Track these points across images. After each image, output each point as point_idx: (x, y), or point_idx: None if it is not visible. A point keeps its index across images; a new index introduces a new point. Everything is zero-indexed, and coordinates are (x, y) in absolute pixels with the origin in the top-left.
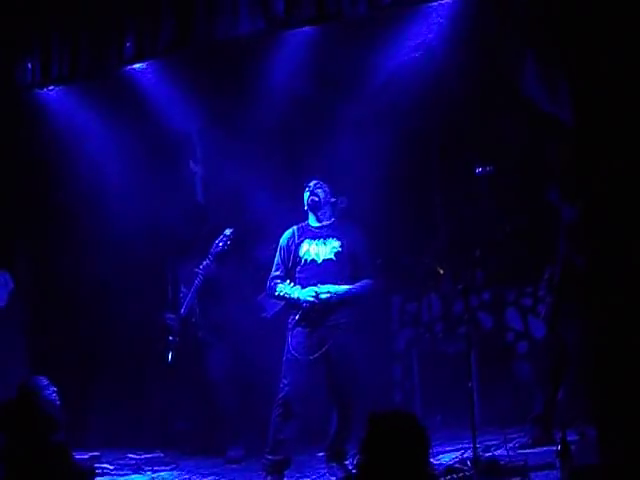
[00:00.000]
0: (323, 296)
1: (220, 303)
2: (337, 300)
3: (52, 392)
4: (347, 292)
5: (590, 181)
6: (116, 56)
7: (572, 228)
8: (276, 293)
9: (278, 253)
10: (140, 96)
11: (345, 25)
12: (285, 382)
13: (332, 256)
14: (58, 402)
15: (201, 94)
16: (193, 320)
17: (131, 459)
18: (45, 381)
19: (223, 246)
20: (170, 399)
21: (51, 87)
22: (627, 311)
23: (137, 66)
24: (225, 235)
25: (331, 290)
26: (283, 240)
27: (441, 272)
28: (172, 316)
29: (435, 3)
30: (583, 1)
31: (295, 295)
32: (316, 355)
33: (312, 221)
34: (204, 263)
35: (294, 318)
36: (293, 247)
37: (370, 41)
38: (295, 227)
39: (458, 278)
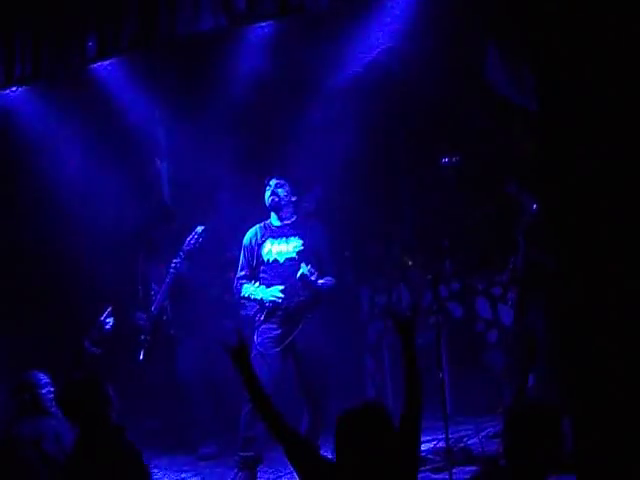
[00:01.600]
0: (300, 272)
1: (191, 301)
2: (307, 283)
3: (49, 391)
4: (318, 285)
5: (554, 172)
6: (79, 55)
7: (532, 222)
8: (242, 294)
9: (242, 253)
10: (104, 94)
11: (309, 20)
12: None
13: (294, 255)
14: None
15: (165, 91)
16: (164, 318)
17: None
18: (45, 378)
19: (194, 243)
20: (141, 397)
21: (14, 87)
22: (593, 301)
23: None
24: (196, 232)
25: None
26: (246, 240)
27: (410, 263)
28: (143, 315)
29: None
30: None
31: (259, 296)
32: (281, 347)
33: (274, 220)
34: (176, 260)
35: (260, 318)
36: (256, 247)
37: (334, 34)
38: (258, 226)
39: (427, 268)
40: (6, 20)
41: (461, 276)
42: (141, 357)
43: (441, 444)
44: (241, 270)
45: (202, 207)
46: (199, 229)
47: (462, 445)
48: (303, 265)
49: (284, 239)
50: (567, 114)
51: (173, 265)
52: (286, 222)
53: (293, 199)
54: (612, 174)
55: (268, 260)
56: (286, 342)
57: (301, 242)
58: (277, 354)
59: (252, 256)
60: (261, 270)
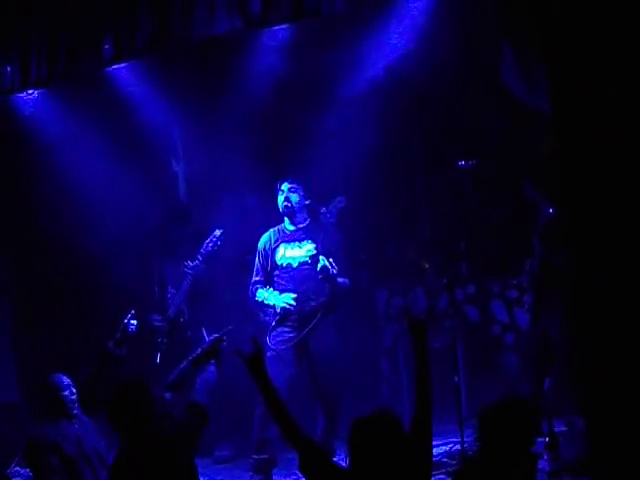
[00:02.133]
0: (321, 265)
1: (209, 304)
2: (328, 277)
3: (71, 392)
4: (338, 280)
5: (568, 176)
6: (95, 58)
7: (548, 225)
8: (256, 299)
9: (257, 258)
10: (120, 96)
11: (325, 24)
12: None
13: (307, 259)
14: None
15: (182, 93)
16: (181, 320)
17: None
18: (67, 380)
19: (213, 247)
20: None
21: (30, 90)
22: (609, 304)
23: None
24: (215, 236)
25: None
26: (260, 244)
27: (426, 266)
28: (160, 317)
29: None
30: None
31: (271, 302)
32: (294, 343)
33: (287, 224)
34: (193, 263)
35: (272, 323)
36: (270, 251)
37: (350, 38)
38: (272, 230)
39: (443, 272)
40: (22, 23)
41: (477, 279)
42: (158, 360)
43: (456, 447)
44: (256, 275)
45: (219, 210)
46: (217, 232)
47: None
48: (323, 258)
49: (297, 243)
50: (580, 116)
51: (191, 268)
52: (300, 226)
53: (306, 202)
54: (626, 176)
55: (282, 265)
56: (300, 337)
57: (314, 246)
58: (291, 353)
59: (266, 261)
60: (275, 275)
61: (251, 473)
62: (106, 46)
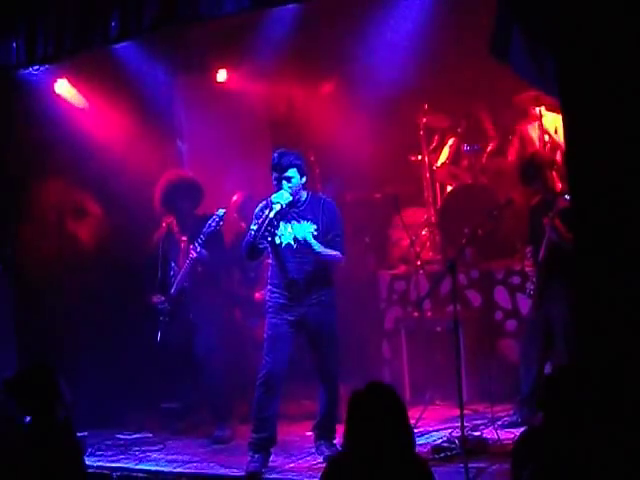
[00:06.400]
0: (300, 236)
1: (211, 284)
2: (310, 250)
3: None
4: (320, 250)
5: (578, 162)
6: (101, 35)
7: (563, 212)
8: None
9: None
10: (126, 74)
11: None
12: (267, 359)
13: (309, 239)
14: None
15: (188, 70)
16: (183, 299)
17: (119, 440)
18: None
19: (215, 226)
20: (159, 379)
21: (36, 67)
22: (613, 290)
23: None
24: (217, 215)
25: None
26: (259, 210)
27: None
28: (162, 296)
29: None
30: None
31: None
32: (292, 322)
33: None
34: (196, 243)
35: (274, 300)
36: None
37: (356, 16)
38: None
39: (446, 256)
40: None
41: (480, 264)
42: (158, 339)
43: (456, 432)
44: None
45: (223, 187)
46: (220, 212)
47: (478, 434)
48: (308, 234)
49: (296, 222)
50: (588, 100)
51: (193, 248)
52: (299, 203)
53: (302, 181)
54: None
55: (281, 243)
56: (297, 316)
57: (314, 227)
58: (289, 331)
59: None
60: (274, 253)
61: (251, 452)
62: (113, 23)
